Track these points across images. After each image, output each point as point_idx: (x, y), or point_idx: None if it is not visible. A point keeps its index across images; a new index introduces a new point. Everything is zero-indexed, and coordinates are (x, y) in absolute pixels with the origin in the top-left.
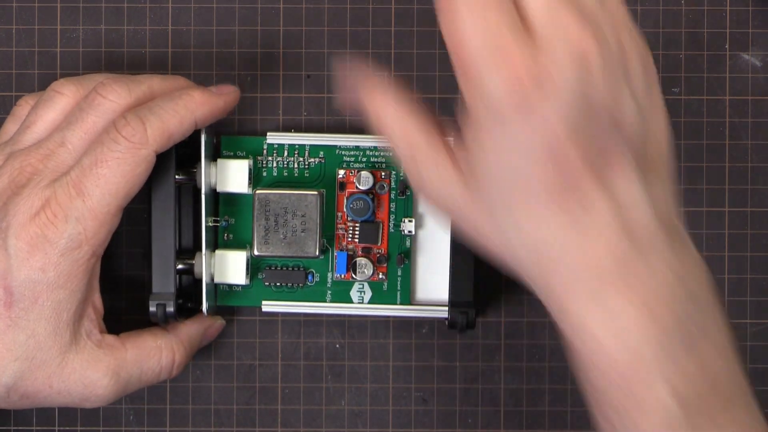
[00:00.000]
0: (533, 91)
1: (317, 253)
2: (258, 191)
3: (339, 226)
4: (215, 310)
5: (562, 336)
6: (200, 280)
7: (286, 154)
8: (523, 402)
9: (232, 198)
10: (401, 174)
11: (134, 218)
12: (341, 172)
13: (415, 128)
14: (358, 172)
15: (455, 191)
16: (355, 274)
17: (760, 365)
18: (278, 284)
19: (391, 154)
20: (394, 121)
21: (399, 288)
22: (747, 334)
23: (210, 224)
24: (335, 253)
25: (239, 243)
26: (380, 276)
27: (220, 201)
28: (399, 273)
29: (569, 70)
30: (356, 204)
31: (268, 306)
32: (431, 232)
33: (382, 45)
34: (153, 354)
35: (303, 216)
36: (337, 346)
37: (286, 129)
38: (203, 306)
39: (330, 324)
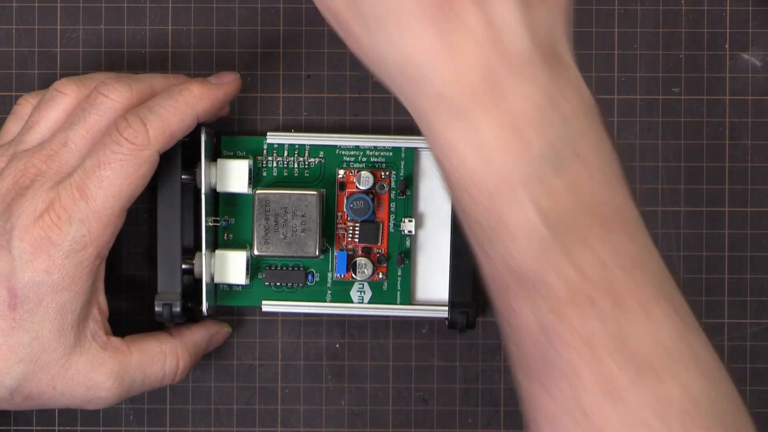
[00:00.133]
0: None
1: (317, 253)
2: (258, 191)
3: (339, 226)
4: (215, 310)
5: (434, 159)
6: (200, 280)
7: (286, 154)
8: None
9: (232, 198)
10: (401, 174)
11: (134, 218)
12: (341, 172)
13: None
14: (358, 172)
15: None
16: (355, 274)
17: (760, 365)
18: (278, 284)
19: None
20: None
21: (399, 288)
22: (747, 334)
23: (210, 224)
24: (335, 253)
25: (239, 243)
26: (380, 276)
27: (220, 201)
28: (399, 273)
29: None
30: (356, 204)
31: (268, 306)
32: (431, 232)
33: None
34: (157, 359)
35: (303, 216)
36: (337, 346)
37: (286, 129)
38: (203, 306)
39: (330, 324)
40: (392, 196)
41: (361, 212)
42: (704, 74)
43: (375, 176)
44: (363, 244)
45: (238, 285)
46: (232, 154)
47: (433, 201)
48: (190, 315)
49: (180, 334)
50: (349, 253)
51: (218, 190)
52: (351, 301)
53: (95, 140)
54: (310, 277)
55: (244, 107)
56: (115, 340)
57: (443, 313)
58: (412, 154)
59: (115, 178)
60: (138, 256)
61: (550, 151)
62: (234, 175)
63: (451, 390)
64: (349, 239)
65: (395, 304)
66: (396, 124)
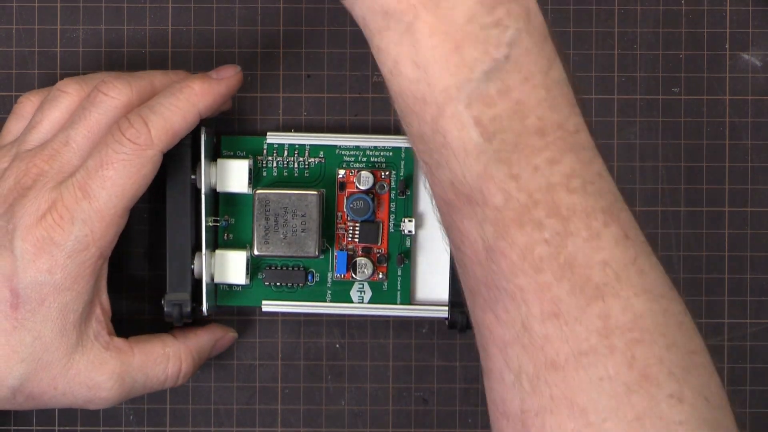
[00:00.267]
0: None
1: (317, 253)
2: (258, 191)
3: (339, 226)
4: (215, 310)
5: (380, 72)
6: (200, 280)
7: (286, 154)
8: None
9: (232, 198)
10: (401, 174)
11: (137, 218)
12: (341, 172)
13: None
14: (358, 172)
15: None
16: (355, 273)
17: (760, 365)
18: (278, 284)
19: None
20: None
21: (399, 288)
22: (747, 334)
23: (210, 224)
24: (335, 253)
25: (239, 243)
26: (380, 276)
27: (220, 201)
28: (399, 273)
29: None
30: (356, 204)
31: (268, 306)
32: (431, 232)
33: None
34: (160, 361)
35: (303, 216)
36: (337, 346)
37: (286, 129)
38: (203, 306)
39: (330, 324)
40: (392, 196)
41: (361, 212)
42: (704, 74)
43: (375, 176)
44: (363, 244)
45: (238, 285)
46: (232, 154)
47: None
48: (192, 315)
49: (184, 337)
50: (349, 253)
51: (218, 190)
52: (351, 301)
53: (97, 139)
54: (310, 277)
55: (244, 107)
56: (118, 341)
57: (443, 313)
58: (412, 153)
59: (118, 178)
60: (140, 256)
61: (487, 62)
62: (234, 175)
63: (451, 390)
64: (349, 239)
65: (395, 304)
66: (396, 124)
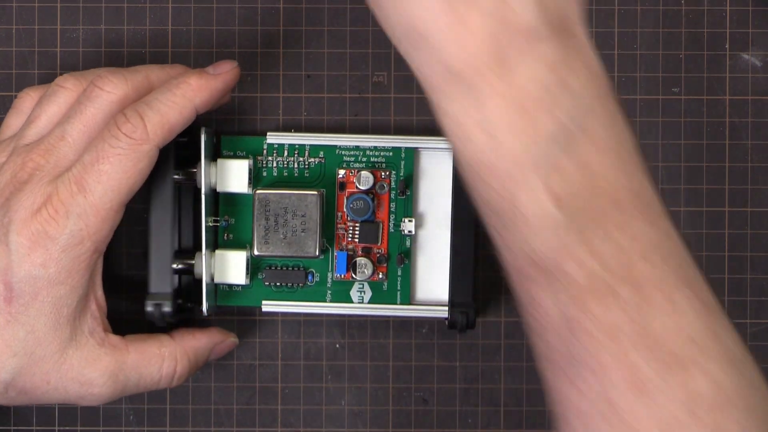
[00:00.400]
0: None
1: (317, 253)
2: (258, 191)
3: (339, 226)
4: (215, 310)
5: (444, 133)
6: (200, 280)
7: (286, 154)
8: (523, 402)
9: (232, 198)
10: (401, 174)
11: (134, 218)
12: (341, 172)
13: None
14: (358, 172)
15: None
16: (355, 274)
17: (760, 365)
18: (278, 284)
19: None
20: None
21: (399, 288)
22: (747, 334)
23: (210, 224)
24: (335, 253)
25: (239, 243)
26: (380, 276)
27: (220, 201)
28: (399, 273)
29: None
30: (356, 204)
31: (268, 306)
32: (431, 232)
33: (382, 45)
34: (155, 361)
35: (303, 216)
36: (337, 346)
37: (286, 129)
38: (203, 306)
39: (330, 324)
40: (392, 196)
41: (361, 212)
42: (704, 74)
43: (375, 176)
44: (363, 244)
45: (238, 285)
46: (232, 154)
47: (433, 201)
48: (189, 315)
49: (182, 339)
50: (349, 253)
51: (218, 190)
52: (351, 301)
53: (93, 133)
54: (310, 277)
55: (244, 107)
56: (114, 338)
57: (443, 313)
58: (412, 154)
59: (114, 173)
60: (138, 256)
61: (559, 131)
62: (234, 175)
63: (451, 390)
64: (349, 239)
65: (395, 304)
66: (396, 124)
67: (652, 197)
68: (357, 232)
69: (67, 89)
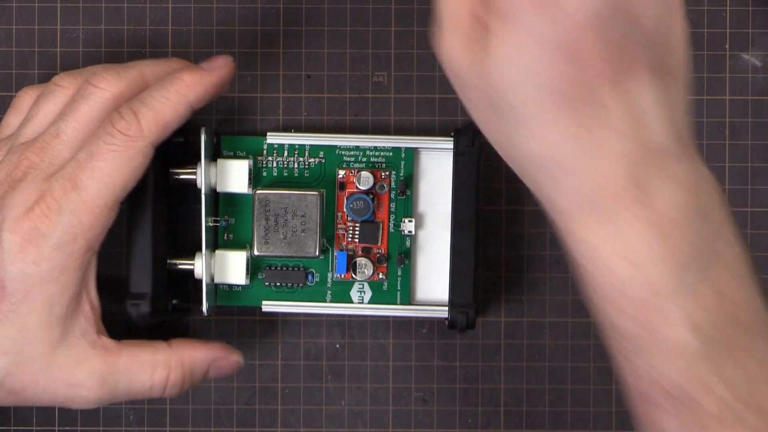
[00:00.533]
0: None
1: (317, 253)
2: (258, 191)
3: (339, 226)
4: (215, 310)
5: (571, 262)
6: (200, 280)
7: (286, 154)
8: (523, 402)
9: (232, 198)
10: (401, 174)
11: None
12: (341, 172)
13: None
14: (358, 172)
15: (470, 72)
16: (355, 274)
17: None
18: (278, 284)
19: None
20: None
21: (399, 288)
22: None
23: (210, 224)
24: (335, 253)
25: (239, 243)
26: (380, 276)
27: (220, 201)
28: (399, 273)
29: None
30: (356, 204)
31: (268, 306)
32: (431, 232)
33: (382, 45)
34: (147, 367)
35: (303, 216)
36: (337, 346)
37: (286, 129)
38: (203, 306)
39: (330, 324)
40: (392, 196)
41: (361, 212)
42: (704, 74)
43: (375, 176)
44: (363, 244)
45: (238, 285)
46: (232, 154)
47: (433, 201)
48: (186, 314)
49: (180, 348)
50: (349, 253)
51: (218, 190)
52: (351, 301)
53: (87, 131)
54: (310, 277)
55: (244, 107)
56: (107, 341)
57: (443, 313)
58: (412, 154)
59: (108, 170)
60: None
61: (695, 255)
62: (234, 175)
63: (451, 390)
64: (349, 239)
65: (395, 304)
66: (396, 124)
67: (764, 313)
68: (357, 232)
69: (63, 88)
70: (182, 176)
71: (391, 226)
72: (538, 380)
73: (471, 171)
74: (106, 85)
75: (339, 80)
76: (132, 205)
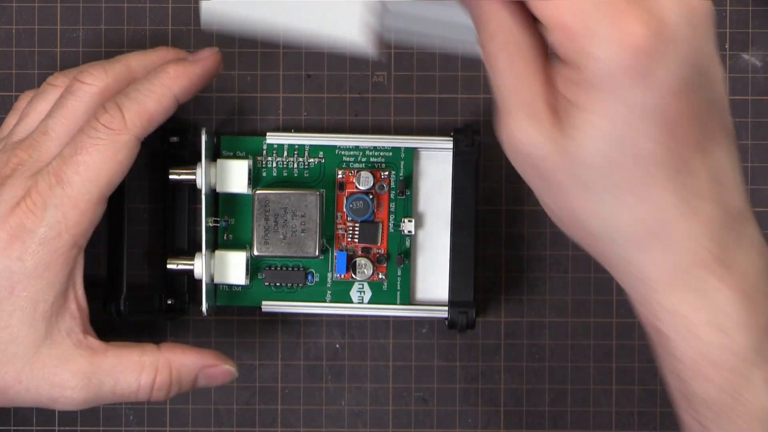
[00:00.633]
0: (650, 51)
1: (317, 253)
2: (258, 191)
3: (339, 226)
4: (215, 310)
5: (647, 330)
6: (200, 280)
7: (285, 154)
8: (523, 402)
9: (232, 198)
10: (401, 174)
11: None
12: (341, 172)
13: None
14: (357, 172)
15: (554, 154)
16: (355, 274)
17: None
18: (278, 284)
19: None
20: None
21: (399, 288)
22: None
23: (210, 224)
24: (335, 253)
25: (239, 243)
26: (380, 276)
27: (220, 201)
28: (399, 273)
29: (683, 24)
30: (356, 204)
31: (268, 306)
32: (431, 232)
33: (382, 45)
34: (133, 369)
35: (303, 216)
36: (337, 346)
37: (286, 129)
38: (203, 306)
39: (330, 324)
40: (392, 196)
41: (360, 212)
42: None
43: (375, 176)
44: (363, 244)
45: (238, 285)
46: (232, 154)
47: (433, 201)
48: (182, 314)
49: (169, 352)
50: (349, 253)
51: (218, 190)
52: (351, 301)
53: (75, 127)
54: (310, 277)
55: (244, 107)
56: (93, 341)
57: (443, 313)
58: (412, 154)
59: (92, 163)
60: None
61: None
62: (234, 175)
63: (451, 390)
64: (349, 239)
65: (395, 304)
66: (396, 124)
67: None
68: (357, 232)
69: (56, 87)
70: (182, 176)
71: (391, 226)
72: (538, 380)
73: (470, 171)
74: (92, 80)
75: (339, 80)
76: (126, 203)
